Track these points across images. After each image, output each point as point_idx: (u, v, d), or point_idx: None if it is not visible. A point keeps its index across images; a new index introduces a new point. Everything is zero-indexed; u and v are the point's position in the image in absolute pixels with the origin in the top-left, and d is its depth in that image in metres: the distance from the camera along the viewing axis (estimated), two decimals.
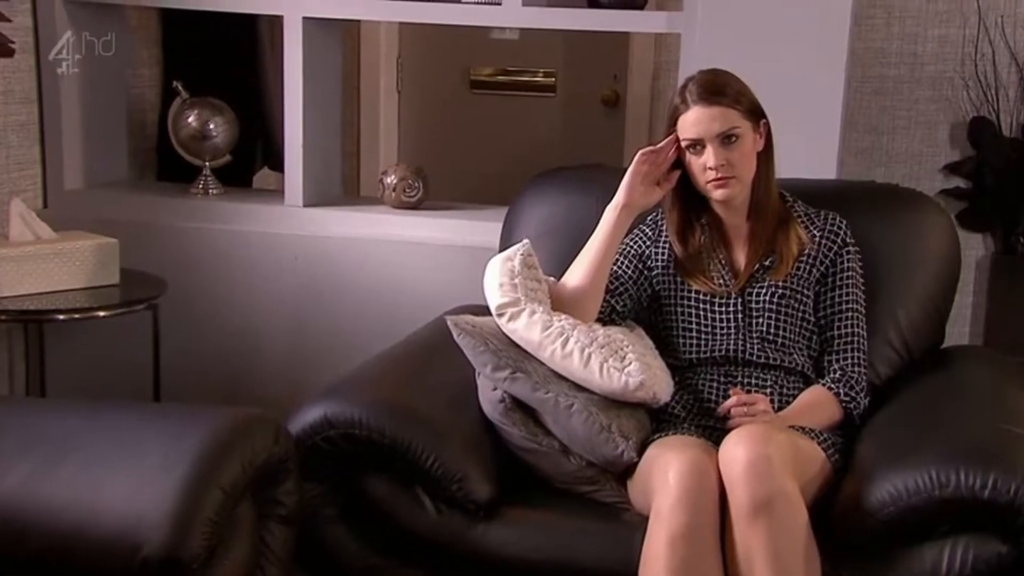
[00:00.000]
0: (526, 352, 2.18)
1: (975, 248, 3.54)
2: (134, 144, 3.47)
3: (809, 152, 2.65)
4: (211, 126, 3.20)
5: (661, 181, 2.30)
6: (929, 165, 3.59)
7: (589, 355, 2.15)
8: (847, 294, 2.31)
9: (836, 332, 2.30)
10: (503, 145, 4.47)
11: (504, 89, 4.55)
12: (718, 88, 2.24)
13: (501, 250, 2.55)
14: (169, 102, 3.40)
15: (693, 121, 2.23)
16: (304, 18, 3.02)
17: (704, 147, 2.23)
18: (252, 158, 3.67)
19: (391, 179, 3.09)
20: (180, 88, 3.23)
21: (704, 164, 2.23)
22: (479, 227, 2.97)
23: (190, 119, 3.20)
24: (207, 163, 3.23)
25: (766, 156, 2.29)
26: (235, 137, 3.26)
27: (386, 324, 2.88)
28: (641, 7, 2.91)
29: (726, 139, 2.22)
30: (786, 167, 2.35)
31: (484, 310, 2.27)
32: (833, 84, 2.73)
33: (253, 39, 3.53)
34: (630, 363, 2.16)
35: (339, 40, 3.25)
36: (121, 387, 2.98)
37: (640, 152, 2.28)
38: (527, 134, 4.47)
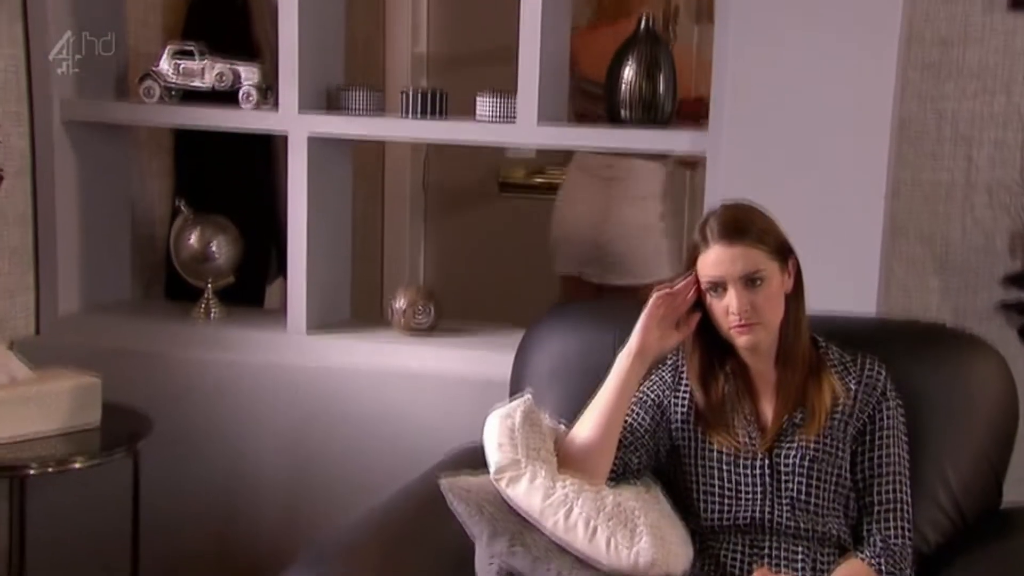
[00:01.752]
0: (527, 521, 1.97)
1: None
2: (141, 260, 3.34)
3: (845, 285, 2.43)
4: (213, 247, 3.06)
5: (680, 324, 2.10)
6: (987, 276, 3.35)
7: (595, 528, 1.94)
8: (888, 453, 2.07)
9: (876, 497, 2.06)
10: (533, 249, 4.28)
11: (534, 191, 4.38)
12: (741, 225, 2.04)
13: (511, 387, 2.38)
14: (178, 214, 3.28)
15: (713, 261, 2.03)
16: (309, 137, 2.87)
17: (726, 289, 2.03)
18: (266, 267, 3.53)
19: (400, 304, 2.93)
20: (183, 206, 3.09)
21: (726, 307, 2.03)
22: (491, 358, 2.76)
23: (191, 239, 3.06)
24: (209, 285, 3.08)
25: (795, 297, 2.08)
26: (239, 256, 3.11)
27: (391, 464, 2.67)
28: (665, 124, 2.72)
29: (750, 281, 2.01)
30: (820, 300, 2.13)
31: None
32: (872, 211, 2.50)
33: (267, 143, 3.41)
34: (640, 538, 1.94)
35: (349, 158, 3.09)
36: (102, 536, 2.79)
37: (655, 294, 2.09)
38: None
